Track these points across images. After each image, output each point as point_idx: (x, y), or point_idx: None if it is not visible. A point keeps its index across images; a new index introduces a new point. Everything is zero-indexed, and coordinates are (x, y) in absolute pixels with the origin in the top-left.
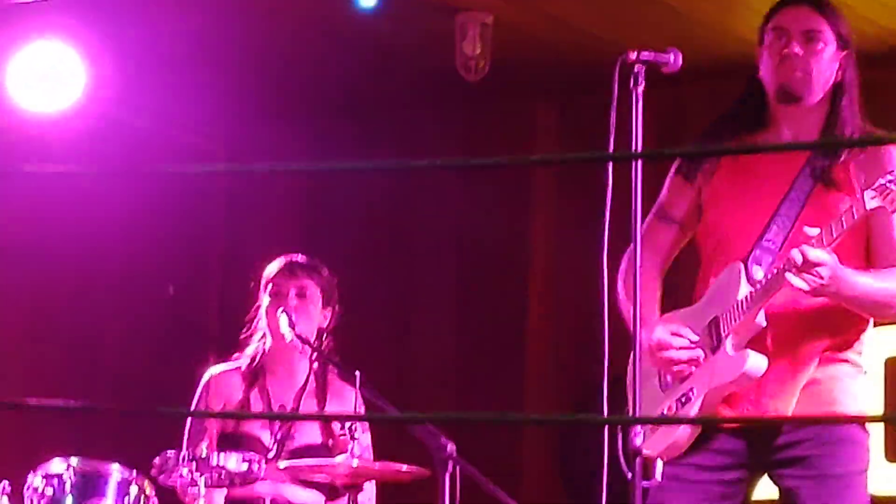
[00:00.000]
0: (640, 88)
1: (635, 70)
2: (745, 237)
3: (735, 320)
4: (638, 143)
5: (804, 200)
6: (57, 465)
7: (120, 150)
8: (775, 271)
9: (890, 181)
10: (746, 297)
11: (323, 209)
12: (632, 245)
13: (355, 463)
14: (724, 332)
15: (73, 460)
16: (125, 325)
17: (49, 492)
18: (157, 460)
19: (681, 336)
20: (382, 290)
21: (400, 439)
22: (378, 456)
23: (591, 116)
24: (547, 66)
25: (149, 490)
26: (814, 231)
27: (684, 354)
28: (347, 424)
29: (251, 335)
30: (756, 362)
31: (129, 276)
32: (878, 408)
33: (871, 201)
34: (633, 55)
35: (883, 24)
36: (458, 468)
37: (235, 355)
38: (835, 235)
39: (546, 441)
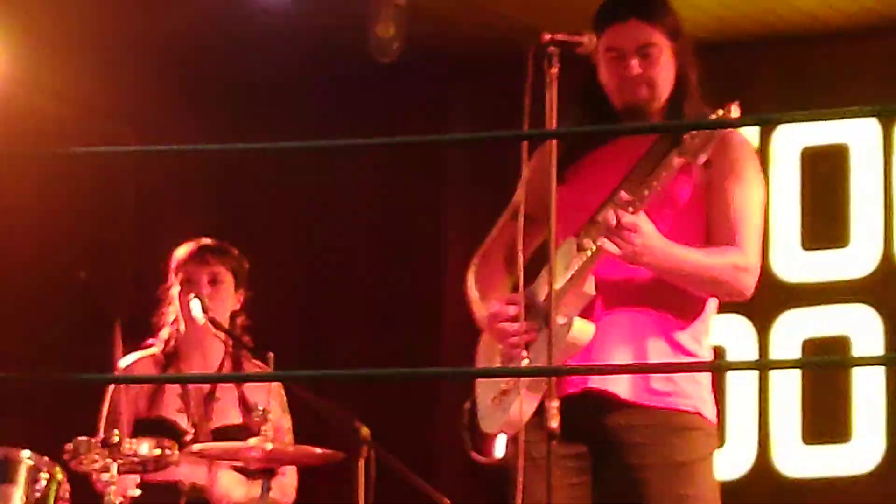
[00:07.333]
0: (555, 70)
1: (549, 51)
2: (584, 217)
3: (566, 291)
4: (552, 125)
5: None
6: None
7: (29, 133)
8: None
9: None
10: (576, 268)
11: (235, 192)
12: (512, 235)
13: (269, 446)
14: (555, 304)
15: None
16: (36, 311)
17: None
18: (69, 446)
19: (515, 304)
20: (295, 273)
21: (315, 423)
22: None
23: (506, 98)
24: (461, 48)
25: (60, 476)
26: (626, 195)
27: (519, 326)
28: (261, 407)
29: (163, 319)
30: (580, 329)
31: (39, 260)
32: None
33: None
34: (547, 37)
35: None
36: (372, 452)
37: (150, 341)
38: (648, 193)
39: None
